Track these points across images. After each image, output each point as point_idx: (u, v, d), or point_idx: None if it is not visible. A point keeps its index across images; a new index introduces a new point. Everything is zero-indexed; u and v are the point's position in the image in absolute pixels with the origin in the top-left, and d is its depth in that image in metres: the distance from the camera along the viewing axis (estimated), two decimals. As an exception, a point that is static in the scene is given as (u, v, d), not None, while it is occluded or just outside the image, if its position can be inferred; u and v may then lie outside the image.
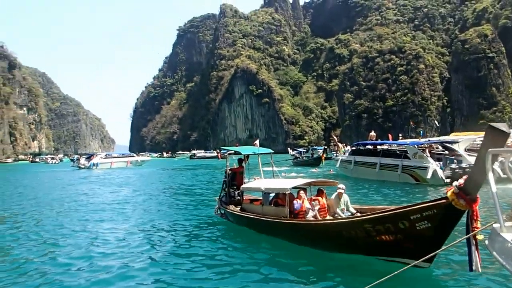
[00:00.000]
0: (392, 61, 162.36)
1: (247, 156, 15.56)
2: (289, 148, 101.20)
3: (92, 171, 66.38)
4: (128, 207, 19.82)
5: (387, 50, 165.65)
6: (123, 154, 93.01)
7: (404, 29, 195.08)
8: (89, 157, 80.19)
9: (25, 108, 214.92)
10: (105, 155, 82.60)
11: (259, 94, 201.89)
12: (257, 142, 16.79)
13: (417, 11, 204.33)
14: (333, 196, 11.32)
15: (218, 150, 74.37)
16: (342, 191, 11.19)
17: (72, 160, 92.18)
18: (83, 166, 74.40)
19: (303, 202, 10.92)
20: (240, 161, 15.51)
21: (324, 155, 52.43)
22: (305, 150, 75.69)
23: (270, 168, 15.84)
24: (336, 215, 10.87)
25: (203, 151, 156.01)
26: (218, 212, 14.91)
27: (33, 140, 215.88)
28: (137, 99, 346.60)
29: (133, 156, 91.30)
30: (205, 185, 32.91)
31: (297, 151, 74.16)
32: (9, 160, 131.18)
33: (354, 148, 36.87)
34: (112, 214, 17.77)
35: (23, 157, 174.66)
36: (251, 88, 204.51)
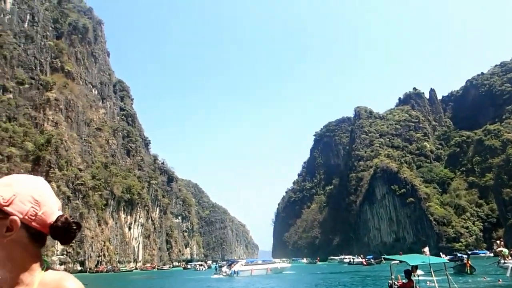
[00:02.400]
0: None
1: (416, 267, 13.06)
2: (441, 253, 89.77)
3: (234, 279, 66.94)
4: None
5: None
6: (263, 260, 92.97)
7: None
8: (230, 264, 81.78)
9: (179, 217, 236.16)
10: (246, 262, 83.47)
11: (403, 194, 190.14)
12: (426, 249, 14.03)
13: None
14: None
15: (361, 256, 69.26)
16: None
17: (215, 268, 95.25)
18: (225, 274, 75.78)
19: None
20: (407, 273, 12.86)
21: (469, 262, 44.71)
22: (464, 255, 66.13)
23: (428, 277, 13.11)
24: None
25: (351, 256, 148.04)
26: None
27: (186, 247, 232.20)
28: (278, 204, 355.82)
29: (273, 263, 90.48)
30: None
31: (452, 256, 65.31)
32: (166, 267, 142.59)
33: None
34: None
35: (177, 263, 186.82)
36: (393, 187, 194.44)
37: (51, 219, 1.66)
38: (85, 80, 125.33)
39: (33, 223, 1.61)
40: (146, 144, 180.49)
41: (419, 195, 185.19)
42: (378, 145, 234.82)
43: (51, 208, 1.67)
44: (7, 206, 1.56)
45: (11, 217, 1.55)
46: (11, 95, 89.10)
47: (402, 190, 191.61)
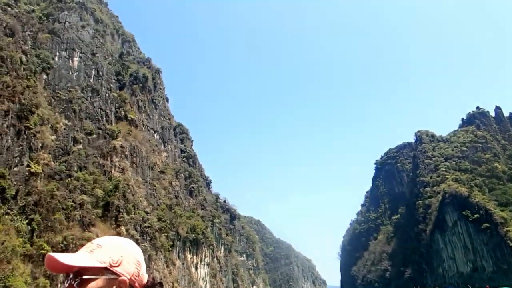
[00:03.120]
0: None
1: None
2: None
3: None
4: None
5: None
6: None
7: None
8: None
9: (244, 255, 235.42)
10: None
11: (476, 220, 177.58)
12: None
13: None
14: None
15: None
16: None
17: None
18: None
19: None
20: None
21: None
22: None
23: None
24: None
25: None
26: None
27: (252, 285, 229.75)
28: (343, 236, 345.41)
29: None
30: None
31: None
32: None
33: None
34: None
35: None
36: (465, 213, 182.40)
37: (145, 280, 1.74)
38: (147, 126, 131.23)
39: (136, 284, 1.68)
40: (208, 183, 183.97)
41: (495, 219, 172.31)
42: (444, 169, 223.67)
43: (144, 269, 1.75)
44: (117, 267, 1.63)
45: (121, 277, 1.62)
46: (81, 146, 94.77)
47: (476, 216, 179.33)
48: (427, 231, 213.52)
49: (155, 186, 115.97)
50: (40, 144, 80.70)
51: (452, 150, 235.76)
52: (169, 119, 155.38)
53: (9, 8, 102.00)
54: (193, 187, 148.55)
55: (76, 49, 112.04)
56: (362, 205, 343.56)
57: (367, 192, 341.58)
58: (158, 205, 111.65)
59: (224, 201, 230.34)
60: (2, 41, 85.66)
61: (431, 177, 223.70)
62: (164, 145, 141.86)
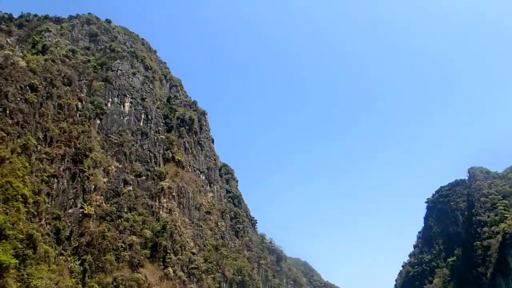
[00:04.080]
0: None
1: None
2: None
3: None
4: None
5: None
6: None
7: None
8: None
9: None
10: None
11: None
12: None
13: None
14: None
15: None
16: None
17: None
18: None
19: None
20: None
21: None
22: None
23: None
24: None
25: None
26: None
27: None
28: (395, 280, 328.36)
29: None
30: None
31: None
32: None
33: None
34: None
35: None
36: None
37: None
38: (194, 167, 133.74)
39: None
40: (253, 224, 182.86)
41: None
42: (502, 208, 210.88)
43: None
44: None
45: None
46: (130, 187, 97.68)
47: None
48: (487, 274, 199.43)
49: (201, 226, 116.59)
50: (93, 186, 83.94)
51: (510, 187, 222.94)
52: (215, 160, 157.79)
53: (68, 60, 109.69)
54: (238, 228, 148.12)
55: (127, 95, 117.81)
56: (415, 246, 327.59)
57: (419, 232, 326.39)
58: (204, 245, 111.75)
59: (270, 242, 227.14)
60: (60, 90, 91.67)
61: (488, 216, 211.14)
62: (210, 185, 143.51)
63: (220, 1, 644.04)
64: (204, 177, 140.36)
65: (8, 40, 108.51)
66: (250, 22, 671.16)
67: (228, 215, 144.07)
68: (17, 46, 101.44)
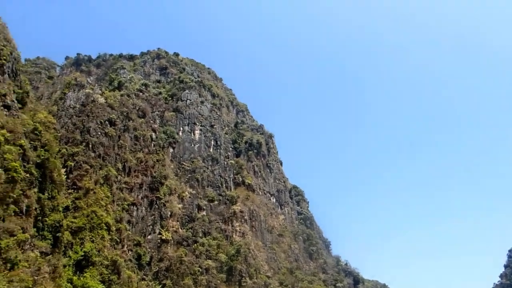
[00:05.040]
0: None
1: None
2: None
3: None
4: None
5: None
6: None
7: None
8: None
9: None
10: None
11: None
12: None
13: None
14: None
15: None
16: None
17: None
18: None
19: None
20: None
21: None
22: None
23: None
24: None
25: None
26: None
27: None
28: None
29: None
30: None
31: None
32: None
33: None
34: None
35: None
36: None
37: None
38: (264, 190, 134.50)
39: None
40: (327, 245, 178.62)
41: None
42: None
43: None
44: None
45: None
46: (204, 212, 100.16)
47: None
48: None
49: (274, 249, 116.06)
50: (169, 213, 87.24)
51: None
52: (284, 182, 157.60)
53: (141, 93, 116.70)
54: (312, 250, 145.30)
55: (197, 123, 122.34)
56: (505, 266, 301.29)
57: (509, 251, 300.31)
58: (279, 268, 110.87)
59: (346, 264, 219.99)
60: (136, 122, 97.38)
61: None
62: (281, 207, 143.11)
63: (280, 27, 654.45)
64: (274, 200, 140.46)
65: (88, 79, 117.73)
66: (312, 42, 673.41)
67: (300, 237, 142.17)
68: (96, 85, 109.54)
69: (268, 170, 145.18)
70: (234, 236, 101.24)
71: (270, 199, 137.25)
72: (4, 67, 56.61)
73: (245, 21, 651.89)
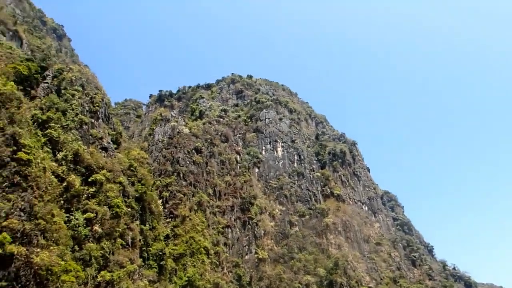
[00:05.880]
0: None
1: None
2: None
3: None
4: None
5: None
6: None
7: None
8: None
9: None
10: None
11: None
12: None
13: None
14: None
15: None
16: None
17: None
18: None
19: None
20: None
21: None
22: None
23: None
24: None
25: None
26: None
27: None
28: None
29: None
30: None
31: None
32: None
33: None
34: None
35: None
36: None
37: None
38: (354, 199, 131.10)
39: None
40: (430, 250, 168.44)
41: None
42: None
43: None
44: None
45: None
46: (297, 228, 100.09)
47: None
48: None
49: (373, 259, 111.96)
50: (262, 232, 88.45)
51: None
52: (374, 189, 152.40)
53: (222, 119, 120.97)
54: (414, 256, 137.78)
55: (278, 140, 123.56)
56: None
57: None
58: (381, 279, 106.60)
59: (454, 268, 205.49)
60: (220, 147, 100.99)
61: None
62: (374, 215, 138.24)
63: (353, 34, 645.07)
64: (366, 208, 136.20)
65: (172, 113, 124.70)
66: (384, 49, 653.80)
67: (400, 244, 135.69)
68: (180, 117, 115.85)
69: (356, 179, 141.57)
70: (330, 249, 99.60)
71: (362, 208, 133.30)
72: (98, 113, 62.29)
73: (312, 33, 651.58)
